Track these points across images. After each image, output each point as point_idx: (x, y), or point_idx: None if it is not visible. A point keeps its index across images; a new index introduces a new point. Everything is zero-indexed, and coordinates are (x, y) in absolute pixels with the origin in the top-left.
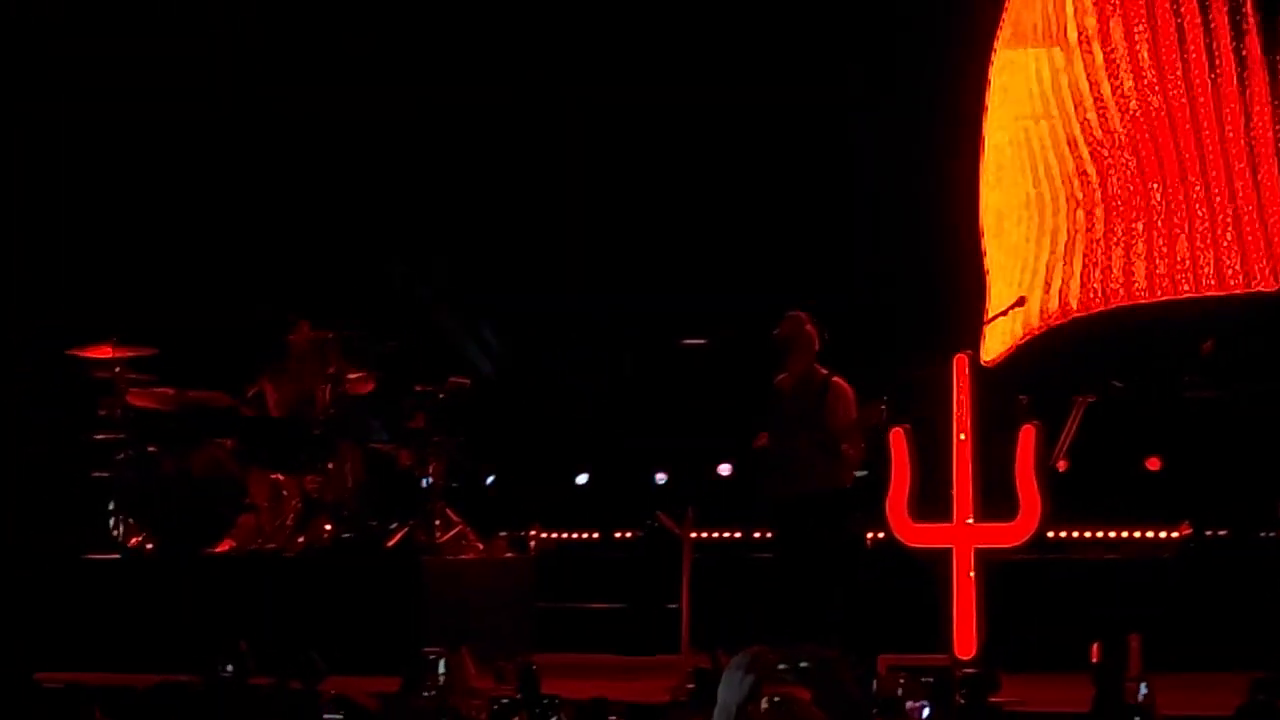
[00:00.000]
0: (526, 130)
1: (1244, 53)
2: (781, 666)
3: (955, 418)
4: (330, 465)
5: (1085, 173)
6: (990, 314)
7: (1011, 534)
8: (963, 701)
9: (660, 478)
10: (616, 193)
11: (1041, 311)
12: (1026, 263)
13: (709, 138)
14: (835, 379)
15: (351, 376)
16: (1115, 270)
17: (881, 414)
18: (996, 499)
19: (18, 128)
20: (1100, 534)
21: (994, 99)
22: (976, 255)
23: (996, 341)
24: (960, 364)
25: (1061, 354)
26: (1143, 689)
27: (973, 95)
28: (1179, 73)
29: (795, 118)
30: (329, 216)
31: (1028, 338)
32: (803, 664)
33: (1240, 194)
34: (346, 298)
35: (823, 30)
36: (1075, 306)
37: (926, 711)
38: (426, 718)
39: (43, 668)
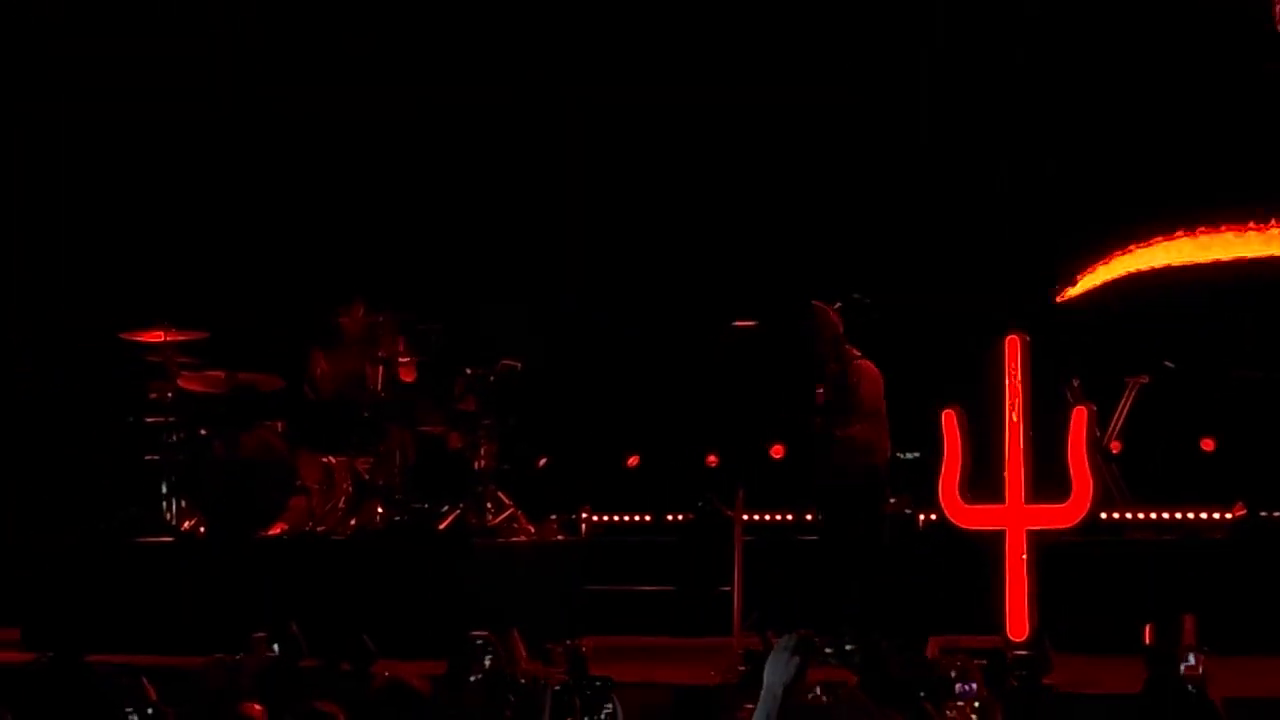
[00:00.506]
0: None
1: None
2: (828, 650)
3: (1008, 399)
4: (381, 448)
5: None
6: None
7: (1064, 515)
8: (1016, 684)
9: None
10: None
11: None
12: None
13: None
14: (858, 362)
15: (402, 360)
16: None
17: None
18: (1049, 481)
19: (67, 118)
20: (1153, 515)
21: None
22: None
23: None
24: (1012, 345)
25: (1114, 335)
26: (1190, 658)
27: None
28: None
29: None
30: (381, 202)
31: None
32: (848, 647)
33: None
34: (398, 282)
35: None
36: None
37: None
38: (479, 699)
39: (95, 650)
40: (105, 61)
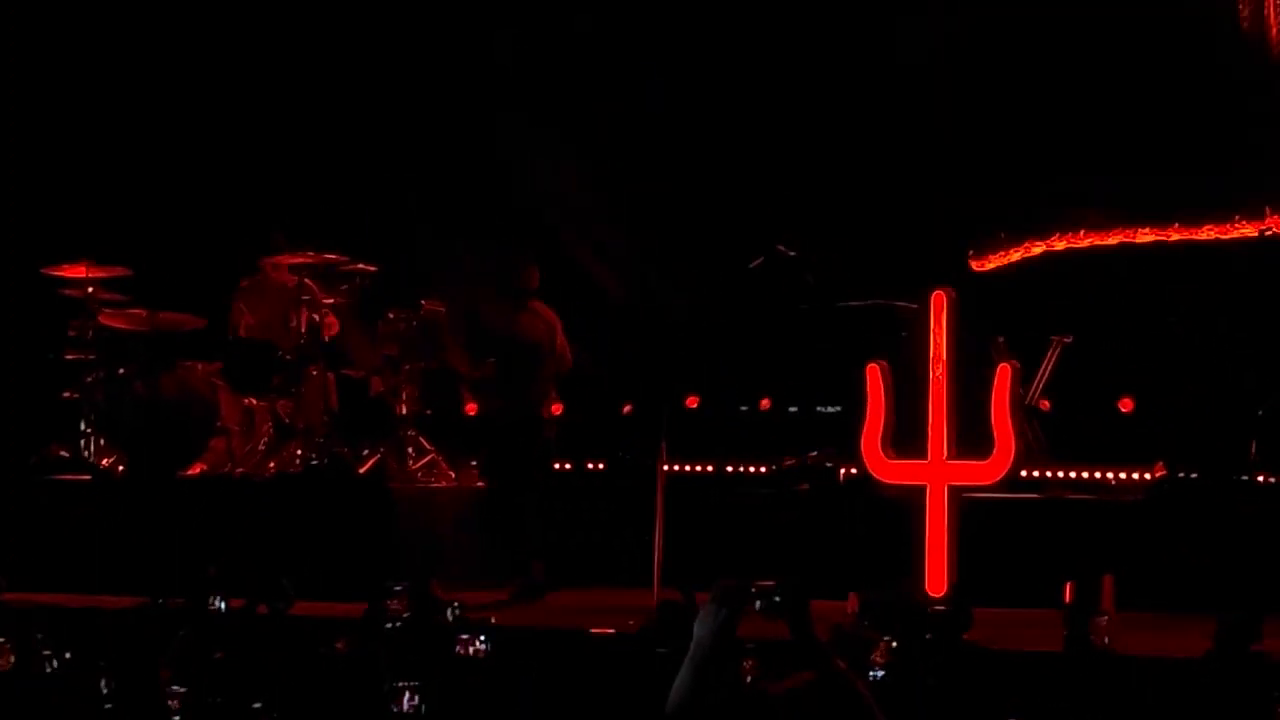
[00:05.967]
0: None
1: None
2: (758, 605)
3: (932, 355)
4: (302, 390)
5: None
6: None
7: (986, 472)
8: (932, 638)
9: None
10: None
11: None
12: None
13: None
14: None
15: (325, 302)
16: None
17: None
18: (971, 437)
19: None
20: (1074, 474)
21: None
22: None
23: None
24: (938, 301)
25: (1039, 293)
26: (1105, 618)
27: None
28: None
29: None
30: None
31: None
32: (776, 598)
33: None
34: (325, 221)
35: None
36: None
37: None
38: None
39: (11, 589)
40: None
